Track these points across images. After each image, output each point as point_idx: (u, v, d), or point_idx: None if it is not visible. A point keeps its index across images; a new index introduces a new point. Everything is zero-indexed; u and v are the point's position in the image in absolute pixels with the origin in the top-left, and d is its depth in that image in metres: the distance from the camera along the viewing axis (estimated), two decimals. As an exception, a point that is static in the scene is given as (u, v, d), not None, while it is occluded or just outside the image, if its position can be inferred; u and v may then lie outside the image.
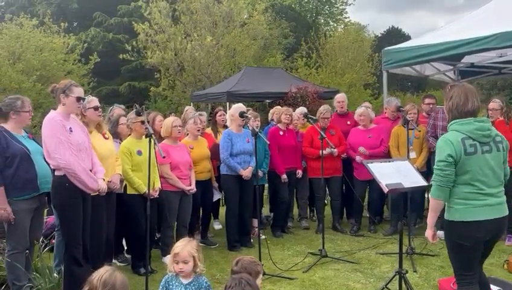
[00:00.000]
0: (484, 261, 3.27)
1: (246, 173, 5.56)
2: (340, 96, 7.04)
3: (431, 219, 3.10)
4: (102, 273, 2.33)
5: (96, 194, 4.00)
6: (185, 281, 2.94)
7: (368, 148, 6.10)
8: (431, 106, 6.38)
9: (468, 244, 2.97)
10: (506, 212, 3.05)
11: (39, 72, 14.75)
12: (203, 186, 5.61)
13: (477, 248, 3.02)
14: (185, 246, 2.91)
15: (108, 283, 2.29)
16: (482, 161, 2.94)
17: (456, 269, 3.12)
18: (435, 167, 2.99)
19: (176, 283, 2.94)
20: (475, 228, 2.93)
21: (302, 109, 6.85)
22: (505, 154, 3.06)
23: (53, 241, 4.79)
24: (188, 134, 5.69)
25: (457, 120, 3.00)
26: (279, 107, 6.98)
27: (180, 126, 5.26)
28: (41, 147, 3.89)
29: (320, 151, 5.48)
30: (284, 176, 6.08)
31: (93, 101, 4.30)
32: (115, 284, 2.29)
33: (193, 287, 2.93)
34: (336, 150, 6.04)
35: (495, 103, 5.53)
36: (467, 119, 2.98)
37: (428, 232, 3.15)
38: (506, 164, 3.11)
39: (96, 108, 4.29)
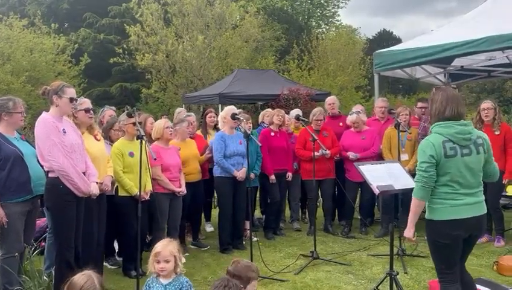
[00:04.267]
0: (466, 259, 3.32)
1: (240, 174, 5.56)
2: (330, 99, 7.15)
3: (412, 219, 3.14)
4: (81, 283, 2.38)
5: (87, 196, 3.97)
6: (164, 282, 2.95)
7: (361, 150, 6.13)
8: (423, 110, 6.43)
9: (448, 242, 3.05)
10: (485, 211, 3.14)
11: (28, 73, 14.60)
12: (193, 188, 5.58)
13: (456, 246, 3.10)
14: (166, 246, 2.94)
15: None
16: (461, 163, 3.01)
17: (437, 267, 3.20)
18: (417, 168, 3.06)
19: (157, 285, 2.95)
20: (453, 226, 3.01)
21: (297, 111, 6.90)
22: (486, 156, 3.11)
23: (43, 243, 4.75)
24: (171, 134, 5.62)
25: (440, 123, 3.08)
26: (269, 109, 7.00)
27: (171, 127, 5.26)
28: (35, 148, 3.86)
29: (312, 153, 5.51)
30: (272, 177, 6.08)
31: (85, 102, 4.27)
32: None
33: (173, 288, 2.93)
34: (328, 151, 6.05)
35: (488, 103, 5.58)
36: (448, 122, 3.05)
37: (410, 232, 3.17)
38: (492, 163, 3.17)
39: (87, 110, 4.26)
